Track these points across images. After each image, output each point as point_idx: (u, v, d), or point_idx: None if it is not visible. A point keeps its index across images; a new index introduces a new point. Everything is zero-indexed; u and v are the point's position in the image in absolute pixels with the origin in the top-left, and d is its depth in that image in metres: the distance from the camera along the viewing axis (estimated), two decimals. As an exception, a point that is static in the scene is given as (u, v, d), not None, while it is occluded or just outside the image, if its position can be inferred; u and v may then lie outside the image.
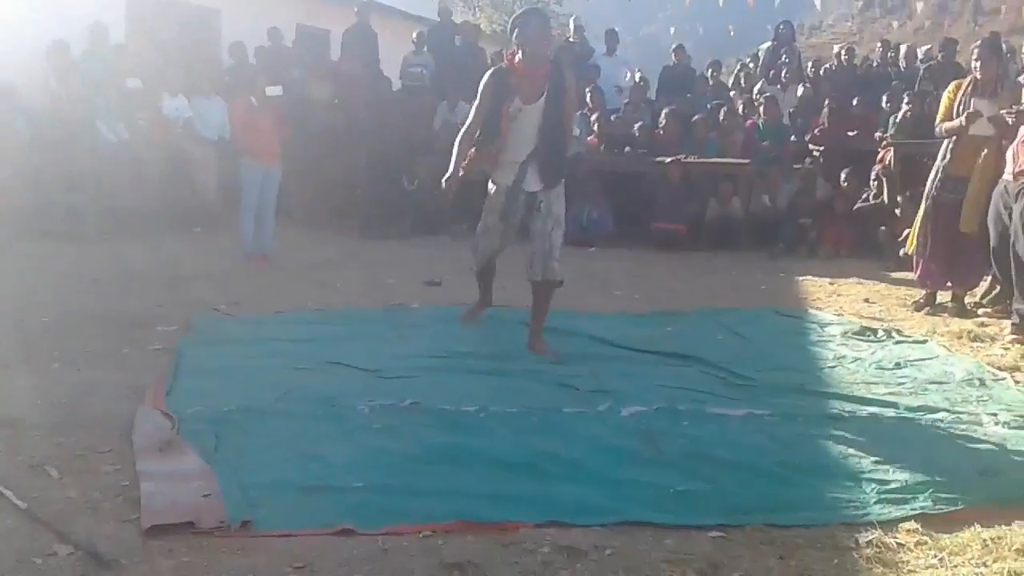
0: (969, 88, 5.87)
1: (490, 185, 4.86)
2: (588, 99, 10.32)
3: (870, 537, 2.57)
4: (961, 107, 5.83)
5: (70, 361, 4.19)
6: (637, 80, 11.55)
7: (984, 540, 2.57)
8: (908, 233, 7.70)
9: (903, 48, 12.12)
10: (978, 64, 5.86)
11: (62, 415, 3.45)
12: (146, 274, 6.40)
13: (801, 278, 7.31)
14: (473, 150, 4.74)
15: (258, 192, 7.21)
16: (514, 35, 4.60)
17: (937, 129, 6.12)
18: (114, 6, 10.14)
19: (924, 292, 6.21)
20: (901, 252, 7.31)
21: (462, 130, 4.81)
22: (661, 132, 9.77)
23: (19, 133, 8.02)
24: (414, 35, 12.09)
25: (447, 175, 4.74)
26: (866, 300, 6.42)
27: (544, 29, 4.67)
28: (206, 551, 2.44)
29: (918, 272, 6.21)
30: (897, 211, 8.13)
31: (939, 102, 9.21)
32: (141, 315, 5.14)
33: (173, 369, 4.07)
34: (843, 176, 8.84)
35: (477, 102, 4.72)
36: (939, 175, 5.95)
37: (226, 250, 7.48)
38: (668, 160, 9.17)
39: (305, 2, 13.51)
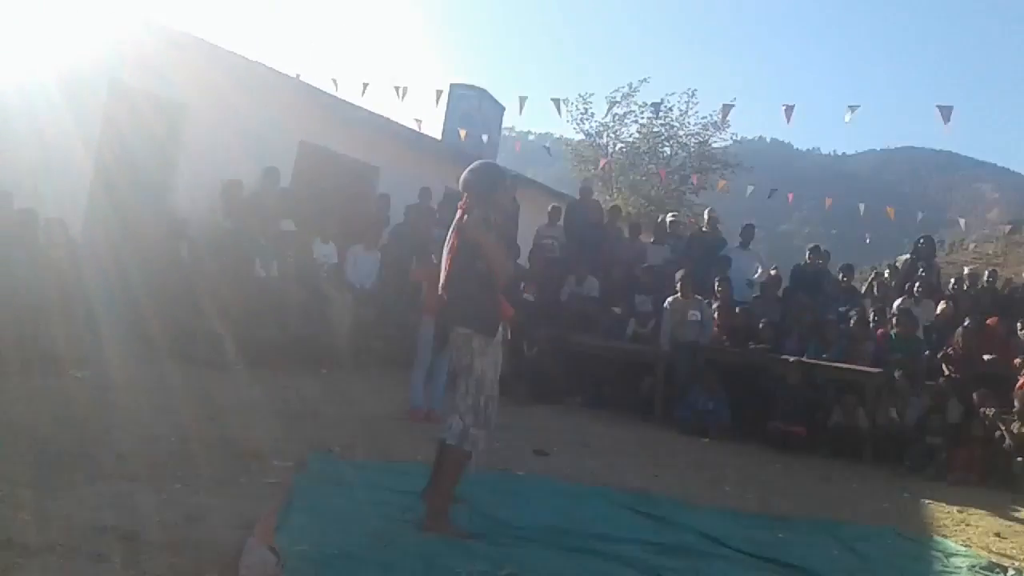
0: None
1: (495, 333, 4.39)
2: (716, 289, 10.41)
3: None
4: None
5: (190, 484, 4.37)
6: (772, 274, 11.59)
7: None
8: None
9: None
10: None
11: (177, 535, 3.57)
12: (271, 407, 6.68)
13: (927, 501, 6.92)
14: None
15: (432, 349, 7.31)
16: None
17: None
18: (286, 152, 11.12)
19: None
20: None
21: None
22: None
23: (182, 261, 8.71)
24: (549, 208, 12.62)
25: None
26: (997, 534, 5.99)
27: None
28: None
29: None
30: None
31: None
32: (261, 447, 5.33)
33: (285, 505, 4.17)
34: (975, 397, 8.47)
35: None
36: None
37: (347, 393, 7.73)
38: (791, 359, 9.04)
39: (456, 170, 14.36)
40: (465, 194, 4.43)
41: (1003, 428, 7.99)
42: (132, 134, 9.02)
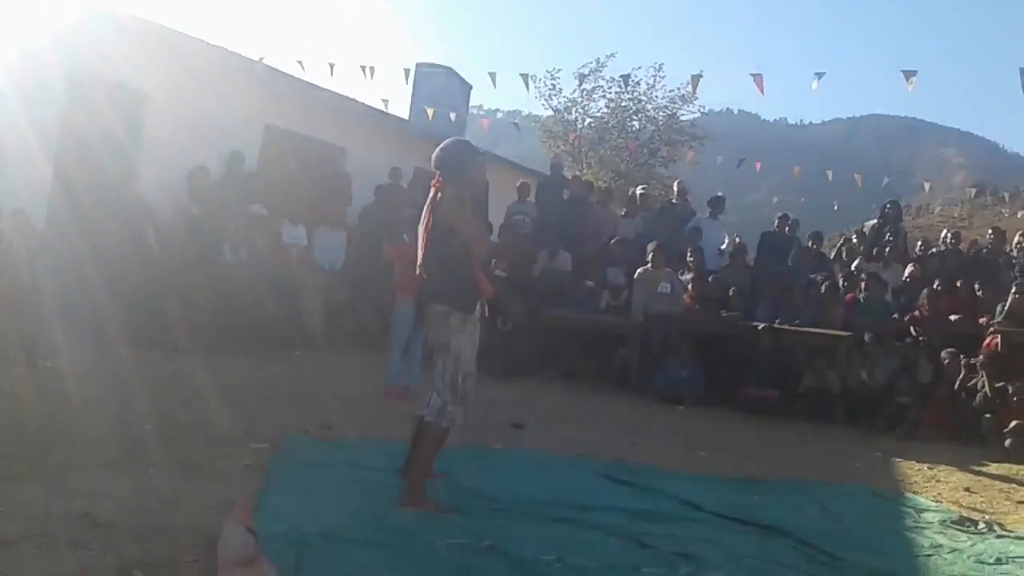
0: None
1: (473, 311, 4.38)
2: (689, 259, 10.47)
3: None
4: None
5: (166, 469, 4.33)
6: (736, 242, 11.68)
7: None
8: (1016, 425, 7.44)
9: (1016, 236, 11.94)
10: None
11: (153, 521, 3.55)
12: (246, 391, 6.65)
13: (898, 459, 7.04)
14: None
15: (408, 328, 7.23)
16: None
17: None
18: (252, 137, 11.00)
19: None
20: (1007, 443, 7.09)
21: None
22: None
23: (149, 247, 8.61)
24: (517, 183, 12.61)
25: None
26: (967, 489, 6.11)
27: None
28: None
29: None
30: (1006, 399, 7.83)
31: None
32: (236, 430, 5.32)
33: (262, 486, 4.17)
34: (944, 356, 8.61)
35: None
36: None
37: (321, 373, 7.71)
38: (761, 326, 9.14)
39: (425, 150, 14.31)
40: (438, 172, 4.41)
41: (984, 381, 8.10)
42: (93, 124, 8.87)
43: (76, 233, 8.05)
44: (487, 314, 4.58)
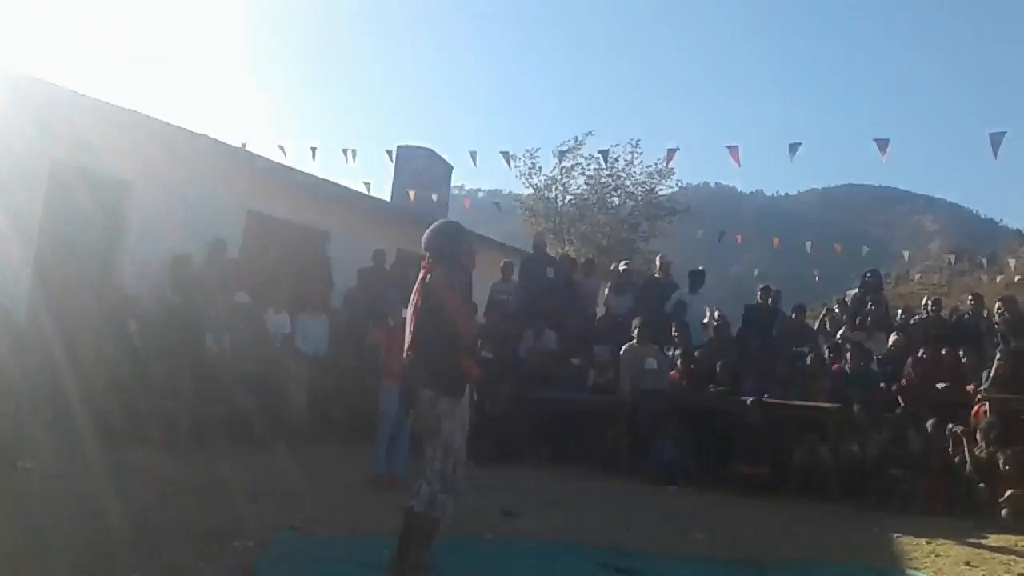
0: None
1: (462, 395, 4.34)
2: (674, 334, 10.45)
3: None
4: None
5: (148, 573, 4.20)
6: (716, 318, 11.68)
7: None
8: (1011, 494, 7.38)
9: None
10: None
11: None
12: (229, 487, 6.48)
13: (895, 535, 6.93)
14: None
15: (395, 414, 7.05)
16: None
17: None
18: (234, 222, 11.03)
19: None
20: (1003, 512, 7.10)
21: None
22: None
23: (130, 337, 8.52)
24: (501, 263, 12.64)
25: None
26: (967, 563, 6.01)
27: None
28: None
29: None
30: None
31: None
32: (220, 529, 5.17)
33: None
34: (929, 427, 8.57)
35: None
36: None
37: (307, 466, 7.56)
38: (749, 401, 9.08)
39: (407, 231, 14.40)
40: (427, 254, 4.41)
41: (965, 450, 8.07)
42: (74, 216, 8.89)
43: (56, 329, 7.95)
44: (475, 398, 4.51)
